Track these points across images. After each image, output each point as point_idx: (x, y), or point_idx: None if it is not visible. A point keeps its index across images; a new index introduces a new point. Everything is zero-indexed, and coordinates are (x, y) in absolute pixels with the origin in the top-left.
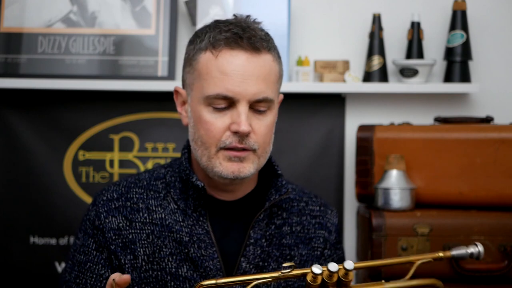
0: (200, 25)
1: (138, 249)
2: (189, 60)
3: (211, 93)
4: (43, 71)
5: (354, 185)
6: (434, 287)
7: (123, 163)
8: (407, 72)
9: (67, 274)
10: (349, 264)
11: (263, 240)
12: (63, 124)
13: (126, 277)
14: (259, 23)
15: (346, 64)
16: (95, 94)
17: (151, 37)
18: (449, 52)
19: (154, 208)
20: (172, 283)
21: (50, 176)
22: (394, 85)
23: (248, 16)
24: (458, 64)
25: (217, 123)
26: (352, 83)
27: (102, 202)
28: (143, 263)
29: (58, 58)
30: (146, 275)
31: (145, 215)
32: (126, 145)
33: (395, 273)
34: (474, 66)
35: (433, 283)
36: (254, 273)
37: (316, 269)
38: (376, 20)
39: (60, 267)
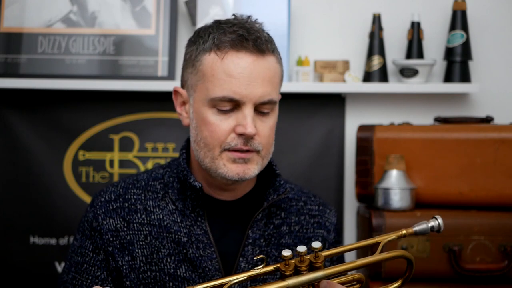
0: (200, 25)
1: (136, 250)
2: (192, 61)
3: (217, 95)
4: (43, 71)
5: (354, 185)
6: (403, 258)
7: (123, 163)
8: (407, 72)
9: (65, 274)
10: (315, 243)
11: (262, 240)
12: (63, 124)
13: None
14: (260, 23)
15: (346, 64)
16: (95, 94)
17: (151, 37)
18: (449, 52)
19: (152, 209)
20: (171, 283)
21: (50, 176)
22: (394, 85)
23: (249, 17)
24: (458, 64)
25: (222, 125)
26: (352, 83)
27: (100, 204)
28: (141, 264)
29: (58, 58)
30: (145, 276)
31: (143, 216)
32: (126, 145)
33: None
34: (474, 66)
35: (401, 254)
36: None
37: (285, 252)
38: (376, 20)
39: (60, 267)
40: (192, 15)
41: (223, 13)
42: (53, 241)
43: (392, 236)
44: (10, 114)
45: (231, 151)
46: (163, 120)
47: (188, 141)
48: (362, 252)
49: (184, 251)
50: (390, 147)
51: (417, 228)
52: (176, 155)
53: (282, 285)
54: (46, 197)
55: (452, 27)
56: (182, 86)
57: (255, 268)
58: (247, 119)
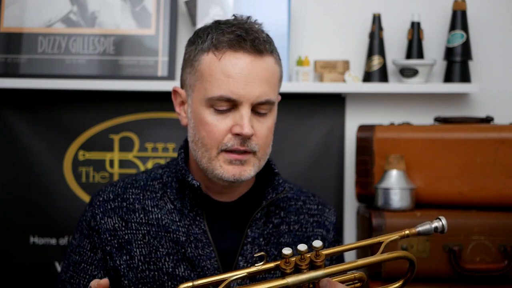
0: (200, 25)
1: (134, 250)
2: (190, 61)
3: (214, 95)
4: (43, 71)
5: (354, 185)
6: (405, 259)
7: (123, 163)
8: (407, 72)
9: (63, 273)
10: (316, 242)
11: (261, 239)
12: (63, 124)
13: (104, 282)
14: (260, 24)
15: (346, 64)
16: (95, 94)
17: (151, 37)
18: (449, 52)
19: (150, 209)
20: (169, 283)
21: (50, 176)
22: (394, 85)
23: (249, 17)
24: (458, 64)
25: (219, 125)
26: (352, 83)
27: (98, 203)
28: (140, 264)
29: (58, 58)
30: (143, 275)
31: (141, 215)
32: (126, 145)
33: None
34: (474, 66)
35: (404, 255)
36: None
37: (286, 250)
38: (376, 20)
39: (60, 267)
40: (192, 15)
41: (223, 13)
42: (53, 241)
43: (394, 236)
44: (10, 114)
45: (228, 152)
46: (163, 120)
47: (186, 141)
48: (362, 251)
49: (183, 250)
50: (390, 147)
51: (420, 228)
52: (176, 155)
53: (282, 283)
54: (46, 197)
55: (452, 27)
56: (182, 86)
57: (255, 265)
58: (244, 119)
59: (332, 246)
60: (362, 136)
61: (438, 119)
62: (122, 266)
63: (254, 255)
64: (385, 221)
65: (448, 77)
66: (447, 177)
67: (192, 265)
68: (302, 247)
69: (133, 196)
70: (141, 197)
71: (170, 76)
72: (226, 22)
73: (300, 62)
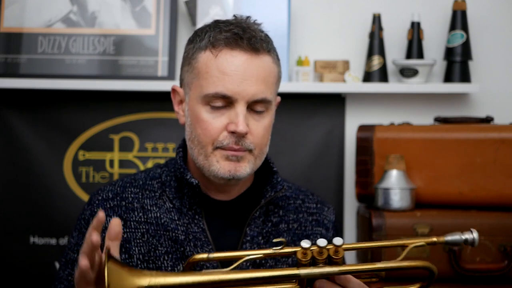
0: (200, 25)
1: (133, 248)
2: (188, 59)
3: (209, 92)
4: (43, 71)
5: (354, 185)
6: (426, 269)
7: (123, 163)
8: (407, 72)
9: (61, 271)
10: (337, 240)
11: (260, 238)
12: (63, 124)
13: (116, 225)
14: (259, 24)
15: (346, 64)
16: (95, 94)
17: (151, 37)
18: (449, 52)
19: (149, 207)
20: None
21: (50, 176)
22: (394, 85)
23: (248, 17)
24: (458, 64)
25: (215, 122)
26: (352, 83)
27: (97, 202)
28: (139, 262)
29: (58, 58)
30: None
31: (140, 214)
32: (126, 145)
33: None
34: (474, 66)
35: (425, 265)
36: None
37: (305, 243)
38: (376, 20)
39: (58, 265)
40: (192, 15)
41: (223, 13)
42: (53, 241)
43: (421, 241)
44: (10, 114)
45: (223, 149)
46: (163, 120)
47: (185, 140)
48: (363, 253)
49: (182, 249)
50: (390, 147)
51: (449, 237)
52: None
53: (293, 273)
54: (46, 197)
55: (452, 27)
56: (180, 84)
57: (273, 248)
58: (239, 117)
59: None
60: (362, 136)
61: (438, 119)
62: None
63: (274, 240)
64: (385, 221)
65: (448, 77)
66: (447, 177)
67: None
68: (322, 242)
69: (132, 195)
70: (140, 196)
71: (170, 76)
72: (225, 21)
73: (300, 62)
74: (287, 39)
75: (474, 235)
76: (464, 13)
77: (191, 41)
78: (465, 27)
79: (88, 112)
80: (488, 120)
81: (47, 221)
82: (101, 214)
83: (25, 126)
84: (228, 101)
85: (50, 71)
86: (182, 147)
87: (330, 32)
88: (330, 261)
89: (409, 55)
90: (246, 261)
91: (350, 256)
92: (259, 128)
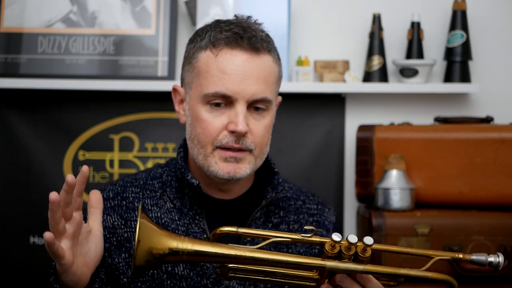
0: (200, 25)
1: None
2: (189, 59)
3: (209, 91)
4: (43, 71)
5: (354, 185)
6: (447, 283)
7: (123, 163)
8: (407, 72)
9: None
10: (368, 239)
11: (260, 238)
12: (63, 124)
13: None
14: (260, 24)
15: (346, 64)
16: (95, 94)
17: (151, 37)
18: (449, 52)
19: (150, 207)
20: (168, 281)
21: (50, 176)
22: (394, 85)
23: (249, 17)
24: (458, 64)
25: (215, 122)
26: (352, 83)
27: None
28: None
29: (58, 58)
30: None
31: None
32: (126, 145)
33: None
34: (474, 66)
35: (448, 279)
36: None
37: (336, 236)
38: (376, 20)
39: None
40: (192, 15)
41: (223, 13)
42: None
43: (447, 256)
44: (10, 114)
45: (223, 149)
46: (163, 120)
47: (185, 140)
48: None
49: None
50: (390, 147)
51: (475, 257)
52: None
53: (319, 263)
54: (46, 197)
55: (452, 27)
56: (181, 84)
57: (302, 234)
58: (239, 117)
59: None
60: (362, 136)
61: (438, 119)
62: (120, 264)
63: (305, 227)
64: (385, 221)
65: (448, 77)
66: (447, 177)
67: (191, 263)
68: (353, 238)
69: (133, 195)
70: (141, 196)
71: (170, 76)
72: (226, 21)
73: (300, 62)
74: (287, 39)
75: (500, 259)
76: (464, 13)
77: (192, 40)
78: (465, 27)
79: (88, 112)
80: (488, 120)
81: (47, 221)
82: (85, 168)
83: (25, 126)
84: (228, 101)
85: (50, 71)
86: (183, 147)
87: (330, 32)
88: (355, 258)
89: (409, 55)
90: (274, 242)
91: None
92: (259, 128)
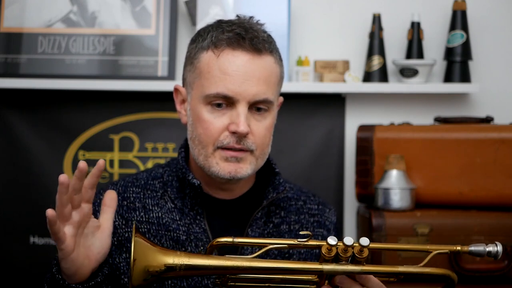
0: (200, 25)
1: None
2: (191, 59)
3: (211, 92)
4: (43, 71)
5: (354, 185)
6: (447, 277)
7: (123, 163)
8: (407, 72)
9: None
10: (364, 240)
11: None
12: (63, 124)
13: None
14: (262, 24)
15: (346, 64)
16: (95, 94)
17: (151, 37)
18: (449, 52)
19: (151, 207)
20: (169, 281)
21: (50, 176)
22: (394, 85)
23: (251, 17)
24: (458, 64)
25: (216, 122)
26: (352, 83)
27: (98, 201)
28: None
29: (58, 58)
30: None
31: (142, 214)
32: (126, 145)
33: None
34: (474, 66)
35: (447, 273)
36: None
37: (331, 240)
38: (376, 20)
39: None
40: (192, 15)
41: (223, 13)
42: (53, 241)
43: (445, 249)
44: (10, 114)
45: (224, 149)
46: (163, 120)
47: (187, 140)
48: None
49: (183, 249)
50: (390, 147)
51: (473, 248)
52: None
53: (317, 268)
54: (46, 197)
55: (452, 27)
56: (183, 84)
57: (298, 239)
58: (240, 117)
59: None
60: (362, 136)
61: (438, 119)
62: (121, 264)
63: (300, 233)
64: (385, 221)
65: (448, 77)
66: (447, 177)
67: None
68: (348, 241)
69: (134, 195)
70: (142, 196)
71: (170, 76)
72: (228, 21)
73: (300, 62)
74: (287, 39)
75: (498, 248)
76: (464, 13)
77: (193, 40)
78: (465, 27)
79: (88, 112)
80: (488, 120)
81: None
82: (101, 162)
83: (25, 126)
84: (229, 101)
85: (50, 71)
86: (184, 147)
87: (330, 32)
88: (353, 260)
89: (409, 55)
90: (271, 249)
91: None
92: (260, 128)
